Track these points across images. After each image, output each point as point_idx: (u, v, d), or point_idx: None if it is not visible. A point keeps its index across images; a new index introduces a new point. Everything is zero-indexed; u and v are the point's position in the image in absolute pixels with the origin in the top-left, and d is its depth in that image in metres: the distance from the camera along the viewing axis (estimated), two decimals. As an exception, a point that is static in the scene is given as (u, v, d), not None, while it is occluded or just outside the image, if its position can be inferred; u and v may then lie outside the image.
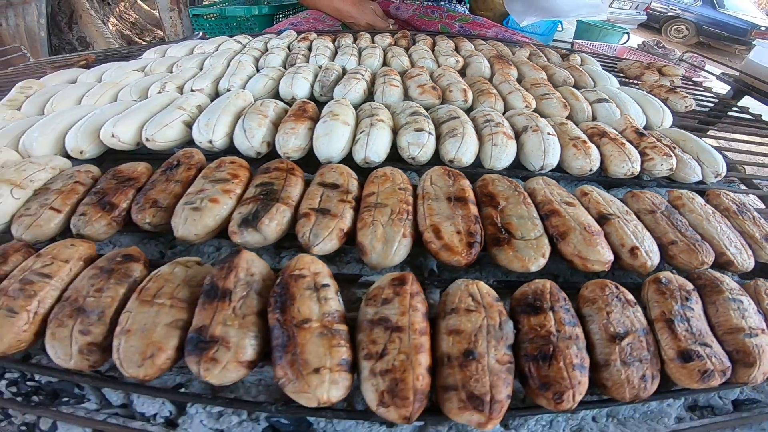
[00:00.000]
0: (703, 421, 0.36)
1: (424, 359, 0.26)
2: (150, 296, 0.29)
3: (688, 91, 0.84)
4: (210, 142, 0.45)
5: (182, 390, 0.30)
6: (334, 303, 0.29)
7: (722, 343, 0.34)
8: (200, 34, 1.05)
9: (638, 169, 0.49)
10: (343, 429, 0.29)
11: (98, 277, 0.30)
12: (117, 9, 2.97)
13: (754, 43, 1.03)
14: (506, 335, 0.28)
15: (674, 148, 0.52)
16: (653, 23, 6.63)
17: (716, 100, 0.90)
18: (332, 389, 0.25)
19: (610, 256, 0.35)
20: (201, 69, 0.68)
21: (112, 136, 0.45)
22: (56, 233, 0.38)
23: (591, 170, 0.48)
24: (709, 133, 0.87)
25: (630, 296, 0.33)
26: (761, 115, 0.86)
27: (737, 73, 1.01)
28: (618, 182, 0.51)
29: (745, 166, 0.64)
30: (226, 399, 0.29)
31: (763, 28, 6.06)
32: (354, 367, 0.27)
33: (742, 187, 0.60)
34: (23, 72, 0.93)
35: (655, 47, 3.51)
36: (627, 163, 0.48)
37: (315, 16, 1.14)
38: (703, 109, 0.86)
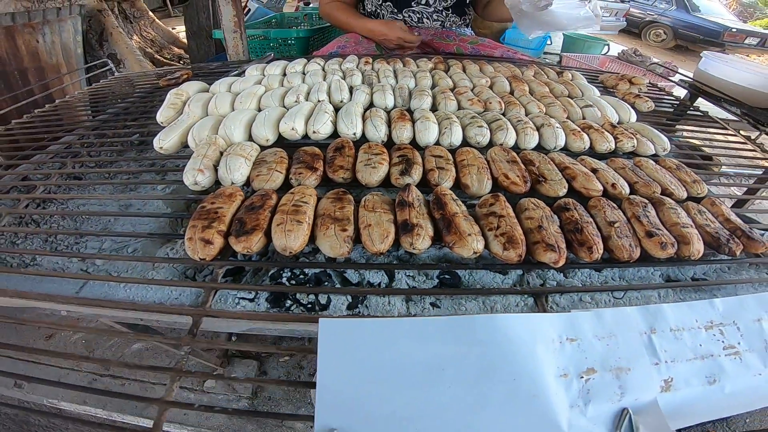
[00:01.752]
0: (673, 283, 0.58)
1: (519, 228, 0.53)
2: (371, 207, 0.54)
3: (652, 95, 1.16)
4: (354, 134, 0.72)
5: (394, 263, 0.56)
6: (463, 206, 0.55)
7: (669, 232, 0.62)
8: (271, 55, 1.30)
9: (613, 147, 0.78)
10: (479, 277, 0.55)
11: (336, 203, 0.56)
12: (138, 27, 3.19)
13: (701, 54, 1.32)
14: (555, 220, 0.56)
15: (636, 134, 0.82)
16: (633, 29, 6.89)
17: (677, 102, 1.22)
18: (478, 243, 0.51)
19: (601, 187, 0.63)
20: (303, 82, 0.94)
21: (292, 129, 0.71)
22: (280, 186, 0.63)
23: (584, 148, 0.77)
24: (678, 127, 1.16)
25: (614, 204, 0.61)
26: (708, 112, 1.17)
27: (691, 79, 1.32)
28: (602, 156, 0.80)
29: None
30: (418, 264, 0.55)
31: (734, 30, 6.43)
32: (483, 236, 0.53)
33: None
34: (125, 80, 1.18)
35: (633, 55, 3.87)
36: (606, 143, 0.77)
37: (355, 40, 1.40)
38: (669, 109, 1.17)
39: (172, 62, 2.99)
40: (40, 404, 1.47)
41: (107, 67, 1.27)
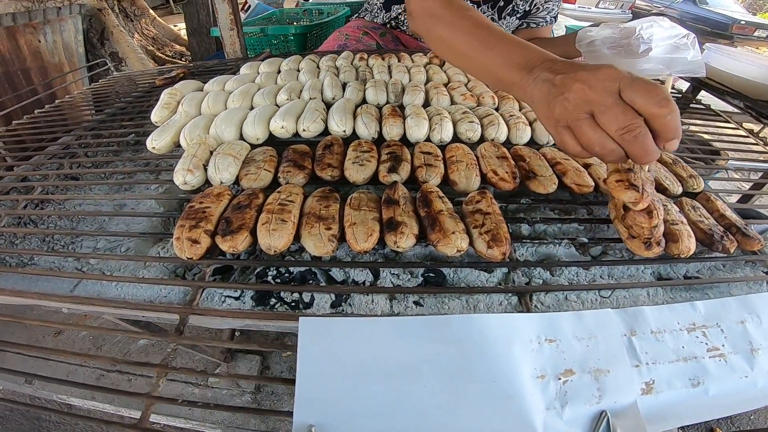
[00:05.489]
0: (663, 282, 0.57)
1: (504, 226, 0.53)
2: (357, 206, 0.54)
3: None
4: (344, 131, 0.72)
5: (380, 261, 0.56)
6: (449, 203, 0.55)
7: (658, 231, 0.61)
8: (268, 51, 1.30)
9: (609, 141, 0.77)
10: (464, 275, 0.55)
11: (322, 201, 0.56)
12: (139, 25, 3.21)
13: (704, 47, 1.29)
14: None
15: (632, 128, 0.80)
16: None
17: (680, 95, 1.19)
18: (462, 242, 0.50)
19: (592, 183, 0.62)
20: (297, 80, 0.94)
21: (282, 127, 0.71)
22: (268, 185, 0.64)
23: (579, 144, 0.76)
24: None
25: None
26: (710, 105, 1.15)
27: (694, 72, 1.29)
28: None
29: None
30: (403, 263, 0.55)
31: (743, 22, 6.33)
32: (468, 234, 0.53)
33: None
34: (126, 79, 1.20)
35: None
36: (601, 138, 0.76)
37: (355, 38, 1.40)
38: None
39: (174, 60, 3.00)
40: (51, 400, 1.51)
41: (105, 67, 1.28)
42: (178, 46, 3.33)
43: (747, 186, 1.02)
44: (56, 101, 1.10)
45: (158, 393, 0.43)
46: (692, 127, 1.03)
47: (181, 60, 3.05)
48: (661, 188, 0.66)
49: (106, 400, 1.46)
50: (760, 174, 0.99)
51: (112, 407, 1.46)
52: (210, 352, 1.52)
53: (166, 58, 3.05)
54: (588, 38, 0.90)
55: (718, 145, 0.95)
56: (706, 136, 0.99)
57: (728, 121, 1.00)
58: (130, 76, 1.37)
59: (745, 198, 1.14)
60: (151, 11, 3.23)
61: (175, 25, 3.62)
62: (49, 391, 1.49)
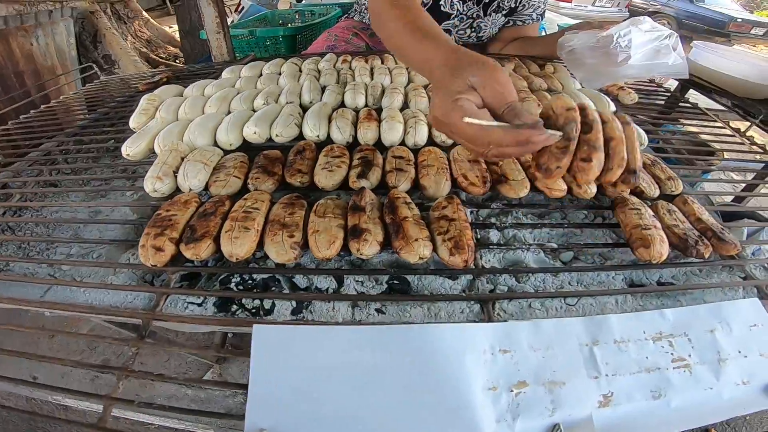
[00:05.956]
0: (633, 289, 0.56)
1: (468, 233, 0.52)
2: (322, 213, 0.54)
3: (640, 87, 1.12)
4: (318, 136, 0.72)
5: (342, 268, 0.56)
6: (416, 210, 0.55)
7: (630, 236, 0.60)
8: (252, 54, 1.30)
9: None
10: (428, 282, 0.54)
11: (287, 208, 0.56)
12: (132, 27, 3.21)
13: (691, 45, 1.27)
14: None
15: (611, 129, 0.79)
16: None
17: (668, 94, 1.18)
18: (425, 249, 0.50)
19: (565, 187, 0.62)
20: (278, 85, 0.94)
21: (254, 133, 0.71)
22: (237, 191, 0.63)
23: (558, 145, 0.75)
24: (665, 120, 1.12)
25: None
26: (697, 103, 1.13)
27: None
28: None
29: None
30: (367, 270, 0.54)
31: (740, 20, 6.32)
32: (432, 242, 0.53)
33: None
34: (116, 85, 1.20)
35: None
36: (580, 139, 0.75)
37: (344, 38, 1.39)
38: (660, 102, 1.13)
39: (168, 62, 3.01)
40: (46, 401, 1.53)
41: (93, 71, 1.29)
42: (172, 48, 3.33)
43: (736, 186, 1.00)
44: (42, 107, 1.10)
45: (118, 395, 0.44)
46: (686, 127, 1.01)
47: (175, 62, 3.05)
48: (637, 191, 0.66)
49: (101, 402, 1.47)
50: (748, 173, 0.97)
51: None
52: (202, 354, 1.53)
53: (160, 60, 3.05)
54: (568, 46, 0.89)
55: (716, 145, 0.93)
56: (704, 137, 0.98)
57: (715, 120, 0.98)
58: (123, 78, 1.38)
59: (738, 198, 1.13)
60: (144, 13, 3.23)
61: (170, 27, 3.62)
62: (45, 392, 1.50)
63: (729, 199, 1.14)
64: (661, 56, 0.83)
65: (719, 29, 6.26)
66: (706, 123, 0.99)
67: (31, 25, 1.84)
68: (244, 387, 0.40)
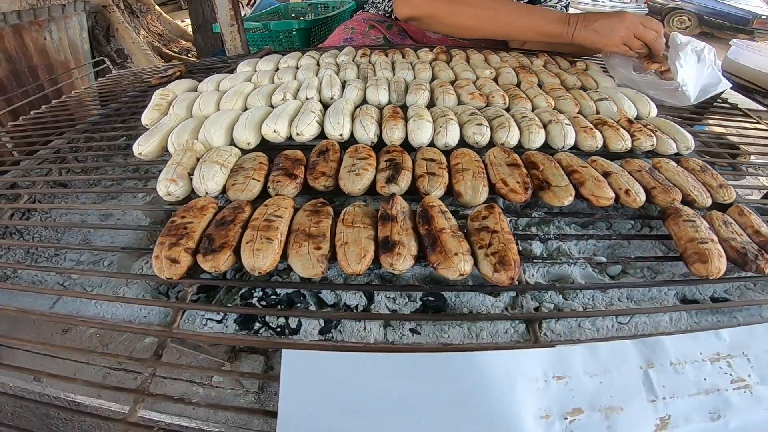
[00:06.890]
0: (687, 306, 0.52)
1: (513, 247, 0.47)
2: (350, 222, 0.50)
3: None
4: (341, 135, 0.67)
5: (373, 283, 0.51)
6: (453, 220, 0.50)
7: (685, 250, 0.55)
8: (268, 47, 1.25)
9: (629, 146, 0.70)
10: (468, 299, 0.50)
11: (312, 216, 0.52)
12: (145, 21, 3.19)
13: (730, 43, 1.20)
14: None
15: (656, 130, 0.73)
16: (656, 16, 6.96)
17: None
18: (465, 265, 0.45)
19: (613, 195, 0.56)
20: (295, 79, 0.89)
21: (274, 131, 0.67)
22: (257, 195, 0.59)
23: (597, 148, 0.70)
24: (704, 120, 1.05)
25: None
26: (737, 104, 1.06)
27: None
28: (616, 155, 0.72)
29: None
30: (400, 285, 0.50)
31: (764, 17, 6.08)
32: (472, 255, 0.48)
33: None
34: (127, 80, 1.17)
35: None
36: (621, 141, 0.69)
37: (361, 31, 1.33)
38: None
39: (181, 56, 2.98)
40: (59, 397, 1.52)
41: (105, 65, 1.26)
42: (184, 42, 3.31)
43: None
44: (53, 101, 1.07)
45: (135, 419, 0.40)
46: (715, 128, 0.95)
47: (188, 56, 3.02)
48: (688, 200, 0.60)
49: (112, 398, 1.46)
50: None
51: (118, 405, 1.46)
52: (213, 352, 1.51)
53: (173, 54, 3.03)
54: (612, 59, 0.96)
55: (746, 148, 0.87)
56: (733, 138, 0.91)
57: (759, 122, 0.92)
58: (135, 72, 1.35)
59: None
60: (157, 7, 3.21)
61: (182, 21, 3.60)
62: (58, 389, 1.50)
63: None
64: (703, 79, 0.84)
65: (743, 26, 6.02)
66: (749, 125, 0.92)
67: (45, 19, 1.82)
68: (273, 414, 0.37)
